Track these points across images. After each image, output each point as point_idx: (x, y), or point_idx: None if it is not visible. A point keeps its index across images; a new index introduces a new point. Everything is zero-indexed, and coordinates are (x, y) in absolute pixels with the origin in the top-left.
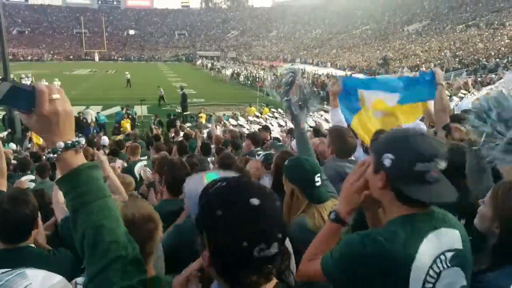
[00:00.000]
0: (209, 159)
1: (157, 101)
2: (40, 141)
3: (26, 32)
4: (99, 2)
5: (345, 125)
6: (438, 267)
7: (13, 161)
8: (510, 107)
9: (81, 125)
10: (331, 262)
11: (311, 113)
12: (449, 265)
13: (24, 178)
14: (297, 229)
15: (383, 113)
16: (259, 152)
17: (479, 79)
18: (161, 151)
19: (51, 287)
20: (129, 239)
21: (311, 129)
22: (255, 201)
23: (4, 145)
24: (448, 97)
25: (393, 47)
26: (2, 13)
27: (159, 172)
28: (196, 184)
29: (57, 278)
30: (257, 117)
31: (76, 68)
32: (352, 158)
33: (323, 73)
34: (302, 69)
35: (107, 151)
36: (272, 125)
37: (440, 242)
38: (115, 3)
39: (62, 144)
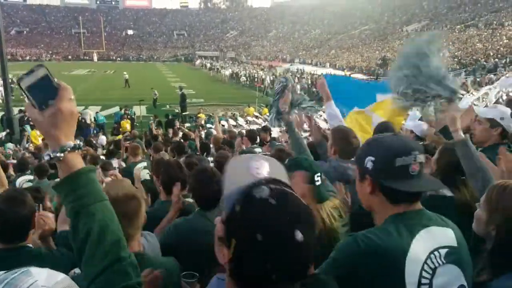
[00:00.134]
0: (209, 159)
1: (154, 103)
2: (39, 141)
3: (25, 32)
4: (98, 2)
5: (339, 115)
6: (433, 262)
7: (13, 161)
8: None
9: (79, 126)
10: (327, 268)
11: (309, 113)
12: (444, 261)
13: (22, 179)
14: None
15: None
16: (256, 149)
17: (477, 79)
18: (160, 151)
19: (56, 284)
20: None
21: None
22: (299, 236)
23: (3, 145)
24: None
25: (392, 48)
26: (0, 13)
27: (156, 172)
28: (239, 171)
29: (61, 275)
30: (256, 117)
31: (74, 68)
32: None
33: (322, 74)
34: (301, 69)
35: (104, 151)
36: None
37: (433, 238)
38: (113, 3)
39: (71, 144)
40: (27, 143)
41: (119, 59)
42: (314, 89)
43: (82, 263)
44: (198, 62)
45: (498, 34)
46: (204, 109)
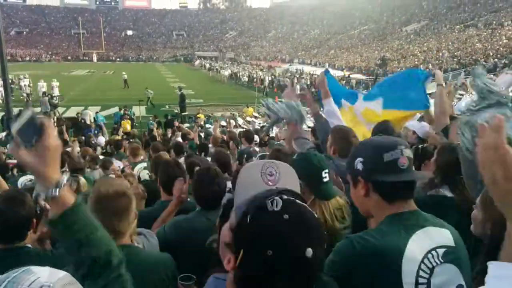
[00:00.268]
0: (207, 159)
1: (150, 102)
2: None
3: (24, 32)
4: (97, 3)
5: (338, 114)
6: (430, 262)
7: (14, 161)
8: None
9: (79, 126)
10: (325, 270)
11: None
12: (441, 260)
13: (23, 178)
14: None
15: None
16: (255, 149)
17: None
18: (159, 151)
19: (58, 281)
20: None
21: (309, 129)
22: (309, 253)
23: (4, 146)
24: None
25: (391, 48)
26: (0, 14)
27: (155, 172)
28: (252, 178)
29: (63, 272)
30: (255, 117)
31: (74, 68)
32: None
33: (323, 71)
34: (300, 70)
35: (103, 151)
36: None
37: (430, 238)
38: (113, 3)
39: (63, 180)
40: None
41: (118, 59)
42: (313, 89)
43: (85, 282)
44: (197, 62)
45: (497, 34)
46: (203, 109)
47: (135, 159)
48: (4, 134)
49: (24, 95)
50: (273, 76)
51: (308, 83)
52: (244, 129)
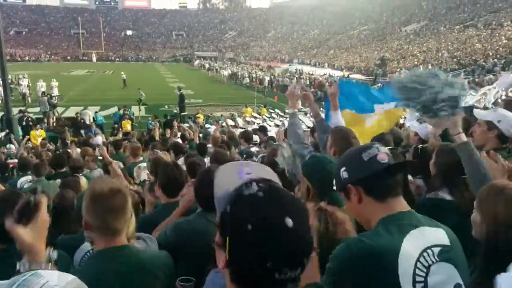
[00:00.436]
0: (206, 160)
1: (141, 104)
2: (38, 142)
3: (24, 32)
4: (97, 3)
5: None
6: (426, 260)
7: (15, 160)
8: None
9: (79, 126)
10: (326, 277)
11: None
12: (437, 259)
13: (23, 179)
14: None
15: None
16: (252, 149)
17: (476, 79)
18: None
19: (67, 285)
20: None
21: (308, 129)
22: (289, 222)
23: (5, 146)
24: None
25: (391, 48)
26: None
27: (154, 172)
28: (227, 178)
29: (71, 276)
30: (255, 117)
31: (73, 68)
32: None
33: (320, 74)
34: (299, 70)
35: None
36: (270, 125)
37: (425, 237)
38: (112, 3)
39: (54, 255)
40: (26, 143)
41: (118, 59)
42: (312, 89)
43: None
44: (196, 62)
45: (497, 34)
46: (203, 109)
47: (135, 159)
48: (3, 134)
49: (25, 94)
50: (272, 76)
51: (308, 83)
52: (243, 130)
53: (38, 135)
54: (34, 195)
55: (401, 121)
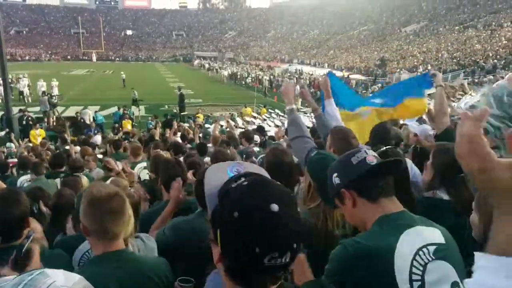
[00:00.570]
0: (205, 159)
1: (135, 102)
2: (37, 141)
3: (24, 32)
4: (97, 2)
5: (338, 116)
6: (422, 259)
7: (15, 160)
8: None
9: (79, 126)
10: (325, 278)
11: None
12: (433, 257)
13: (23, 178)
14: None
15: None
16: (255, 148)
17: (476, 80)
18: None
19: (74, 285)
20: None
21: (308, 129)
22: (274, 207)
23: (5, 145)
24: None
25: (390, 48)
26: (0, 13)
27: (155, 171)
28: (216, 176)
29: (77, 276)
30: (254, 117)
31: (73, 68)
32: None
33: (319, 74)
34: (299, 70)
35: (102, 150)
36: (270, 126)
37: (420, 236)
38: (112, 3)
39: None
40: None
41: (118, 59)
42: (312, 90)
43: None
44: (196, 62)
45: (497, 35)
46: (203, 109)
47: (135, 159)
48: (3, 133)
49: (22, 92)
50: (272, 76)
51: (308, 83)
52: (244, 129)
53: (38, 134)
54: (28, 241)
55: (401, 122)
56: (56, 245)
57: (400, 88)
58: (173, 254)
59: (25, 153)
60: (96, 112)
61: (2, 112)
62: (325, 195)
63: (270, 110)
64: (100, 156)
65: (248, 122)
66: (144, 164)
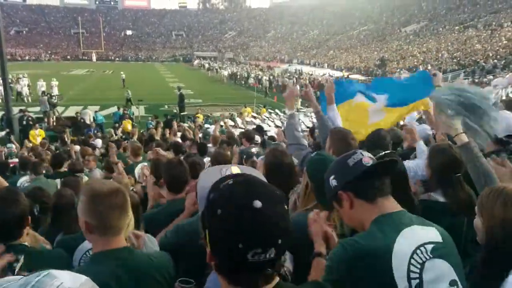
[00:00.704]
0: (205, 159)
1: (129, 102)
2: (37, 141)
3: (24, 32)
4: (97, 3)
5: (339, 121)
6: (419, 257)
7: (15, 160)
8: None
9: (79, 126)
10: (324, 277)
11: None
12: (430, 255)
13: (23, 179)
14: (294, 224)
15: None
16: (253, 149)
17: (476, 80)
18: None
19: (81, 286)
20: None
21: (308, 129)
22: (257, 204)
23: (5, 145)
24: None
25: (390, 48)
26: (0, 13)
27: (155, 174)
28: (209, 178)
29: (84, 277)
30: (254, 117)
31: (73, 68)
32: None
33: (319, 74)
34: (299, 70)
35: (102, 150)
36: (269, 126)
37: (417, 235)
38: (112, 3)
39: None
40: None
41: (117, 59)
42: (312, 90)
43: None
44: (196, 62)
45: (497, 35)
46: (202, 109)
47: (136, 159)
48: (3, 133)
49: (20, 93)
50: (271, 77)
51: (307, 83)
52: (244, 129)
53: (37, 134)
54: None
55: (401, 122)
56: (56, 245)
57: (404, 91)
58: (175, 255)
59: (26, 153)
60: (96, 112)
61: (3, 112)
62: (322, 196)
63: (270, 110)
64: (100, 156)
65: (247, 122)
66: (145, 164)
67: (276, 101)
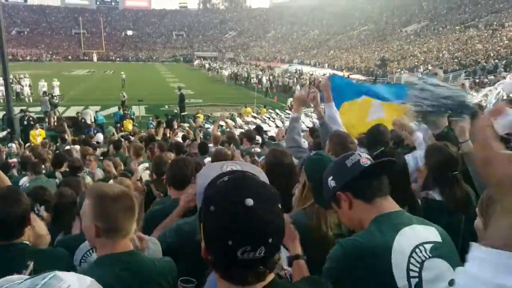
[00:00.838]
0: (206, 160)
1: (123, 105)
2: (37, 141)
3: (25, 32)
4: (98, 3)
5: (339, 119)
6: (419, 256)
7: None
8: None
9: (79, 126)
10: (324, 276)
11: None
12: (430, 255)
13: (25, 179)
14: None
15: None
16: (255, 149)
17: (476, 80)
18: (164, 151)
19: None
20: None
21: (308, 129)
22: (249, 202)
23: (6, 144)
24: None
25: (391, 48)
26: (1, 14)
27: (156, 172)
28: (209, 174)
29: (89, 279)
30: (254, 117)
31: (74, 68)
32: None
33: (319, 74)
34: (299, 70)
35: (103, 149)
36: (270, 126)
37: (416, 235)
38: (113, 3)
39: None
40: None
41: (118, 59)
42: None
43: None
44: (196, 62)
45: (498, 35)
46: (203, 109)
47: (137, 159)
48: (4, 133)
49: (19, 93)
50: (271, 77)
51: (307, 83)
52: (245, 129)
53: (37, 134)
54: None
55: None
56: (57, 244)
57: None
58: (175, 254)
59: (27, 153)
60: (97, 112)
61: (4, 112)
62: (319, 195)
63: (270, 110)
64: (101, 157)
65: (248, 123)
66: (147, 164)
67: (276, 101)
